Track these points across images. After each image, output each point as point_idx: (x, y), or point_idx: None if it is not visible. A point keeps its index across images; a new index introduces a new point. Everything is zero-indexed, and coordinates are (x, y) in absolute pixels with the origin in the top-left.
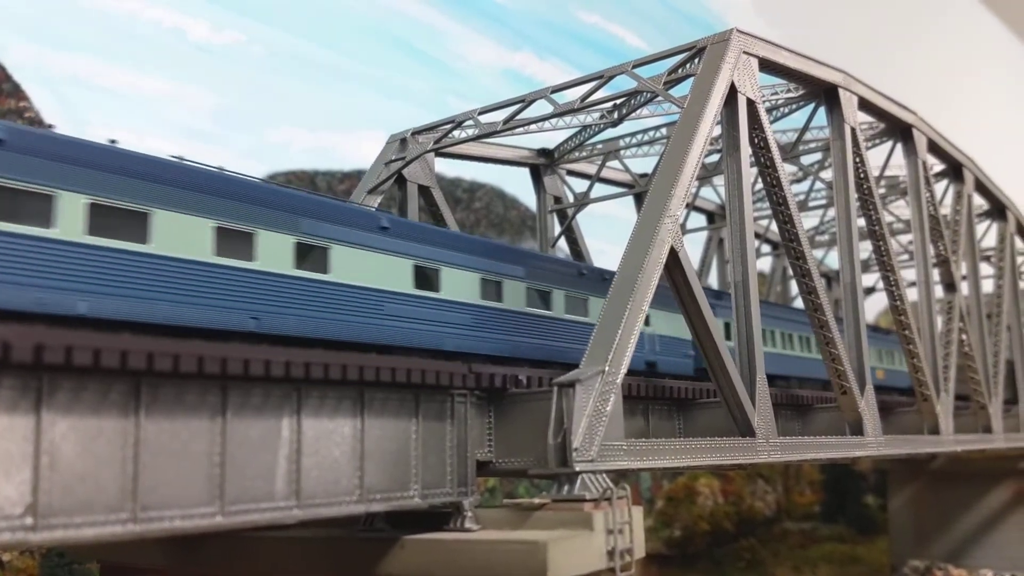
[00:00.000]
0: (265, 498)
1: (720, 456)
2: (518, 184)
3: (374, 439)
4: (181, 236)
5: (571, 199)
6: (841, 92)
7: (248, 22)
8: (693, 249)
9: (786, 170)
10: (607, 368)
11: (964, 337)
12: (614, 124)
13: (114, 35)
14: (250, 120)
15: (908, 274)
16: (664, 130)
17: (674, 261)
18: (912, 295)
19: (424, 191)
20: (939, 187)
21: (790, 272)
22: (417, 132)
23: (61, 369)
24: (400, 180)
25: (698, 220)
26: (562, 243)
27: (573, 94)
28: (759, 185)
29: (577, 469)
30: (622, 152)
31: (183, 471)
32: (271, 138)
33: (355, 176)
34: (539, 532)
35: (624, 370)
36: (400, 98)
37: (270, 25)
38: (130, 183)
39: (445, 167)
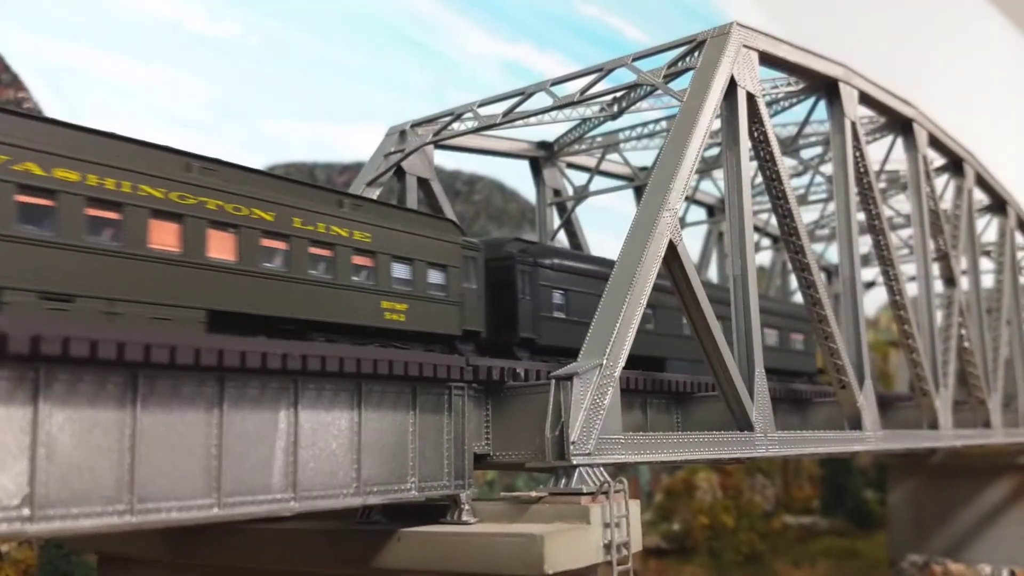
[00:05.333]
0: (262, 490)
1: (718, 450)
2: (518, 177)
3: (371, 432)
4: None
5: (571, 192)
6: (841, 86)
7: (246, 13)
8: (693, 243)
9: (786, 164)
10: (605, 361)
11: (964, 332)
12: (614, 117)
13: (111, 24)
14: (247, 112)
15: (908, 269)
16: (664, 123)
17: (672, 254)
18: (912, 290)
19: (423, 183)
20: (939, 182)
21: (790, 266)
22: (416, 124)
23: (58, 360)
24: (399, 172)
25: (698, 214)
26: (562, 235)
27: (573, 87)
28: (759, 179)
29: (574, 462)
30: (622, 145)
31: (180, 463)
32: (269, 130)
33: (354, 168)
34: (536, 525)
35: (622, 363)
36: (399, 90)
37: (268, 16)
38: None
39: (444, 159)
